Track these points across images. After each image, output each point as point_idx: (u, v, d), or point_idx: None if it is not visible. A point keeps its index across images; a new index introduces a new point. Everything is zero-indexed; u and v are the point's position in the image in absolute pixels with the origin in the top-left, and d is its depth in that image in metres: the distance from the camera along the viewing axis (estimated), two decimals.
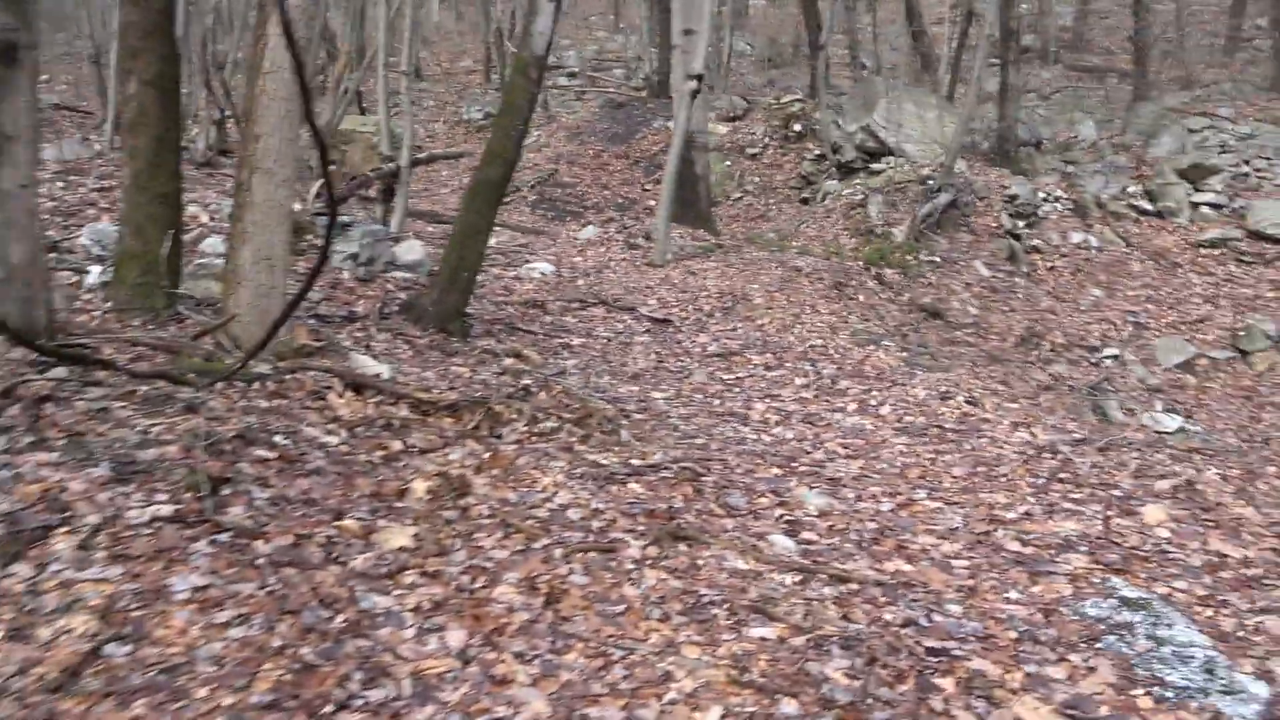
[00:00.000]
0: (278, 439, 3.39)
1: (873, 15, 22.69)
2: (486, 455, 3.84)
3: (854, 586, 3.18)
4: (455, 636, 2.51)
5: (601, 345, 7.05)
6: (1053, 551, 3.52)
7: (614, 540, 3.20)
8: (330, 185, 2.84)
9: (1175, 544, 3.61)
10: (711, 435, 5.01)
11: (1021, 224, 12.12)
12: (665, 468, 4.08)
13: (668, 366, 6.56)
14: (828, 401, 5.59)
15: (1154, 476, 4.19)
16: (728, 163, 17.07)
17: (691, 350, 6.93)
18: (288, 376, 4.16)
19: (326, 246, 2.90)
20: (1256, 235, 12.38)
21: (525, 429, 4.19)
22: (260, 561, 2.56)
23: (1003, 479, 4.28)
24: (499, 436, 4.13)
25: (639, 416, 5.10)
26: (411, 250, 7.75)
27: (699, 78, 9.52)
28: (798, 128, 16.51)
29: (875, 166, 13.77)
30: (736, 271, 9.09)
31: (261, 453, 3.22)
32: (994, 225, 11.92)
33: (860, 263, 10.32)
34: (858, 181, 13.62)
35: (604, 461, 4.01)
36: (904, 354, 6.38)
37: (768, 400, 5.71)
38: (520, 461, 3.85)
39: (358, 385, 4.30)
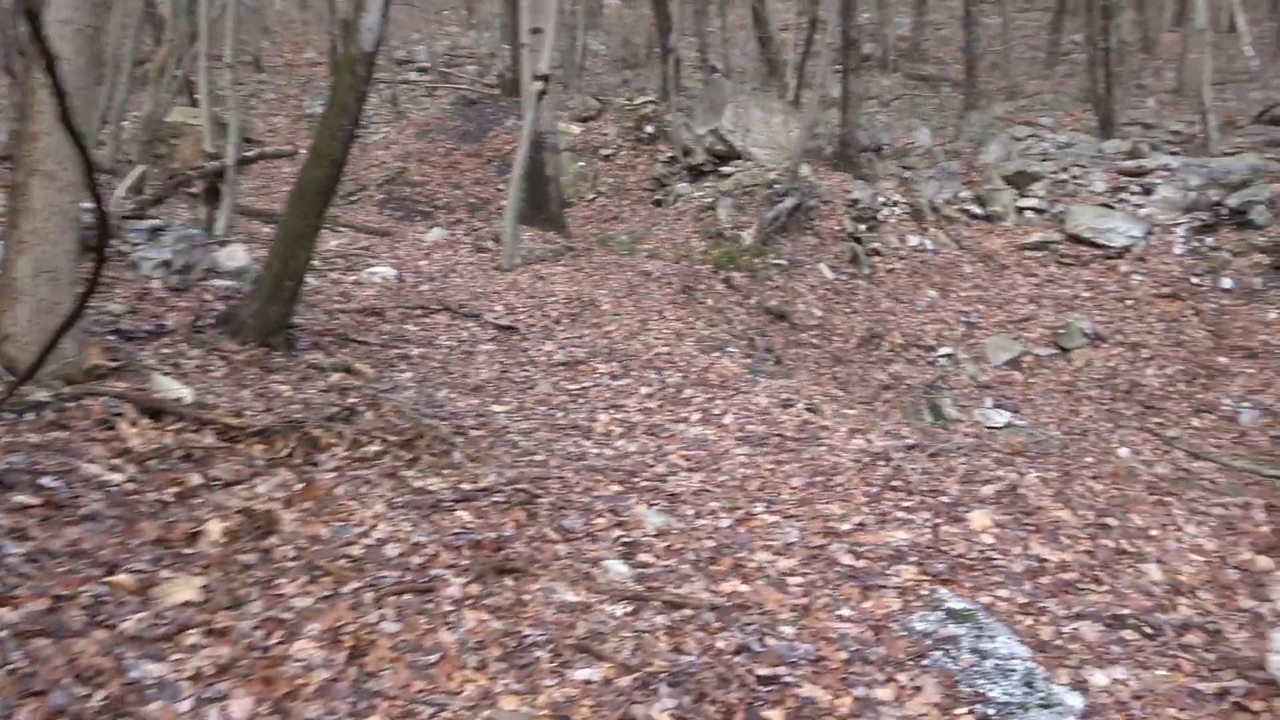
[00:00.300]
0: (46, 481, 2.99)
1: (723, 19, 23.07)
2: (299, 486, 3.53)
3: (688, 613, 3.08)
4: (240, 706, 2.24)
5: (443, 355, 6.76)
6: (884, 563, 3.53)
7: (433, 578, 2.98)
8: (96, 193, 2.48)
9: (999, 549, 3.69)
10: (552, 450, 4.84)
11: (863, 227, 12.52)
12: (498, 491, 3.88)
13: (511, 377, 6.34)
14: (672, 411, 5.52)
15: (980, 481, 4.30)
16: (581, 163, 16.93)
17: (537, 359, 6.74)
18: (71, 404, 3.72)
19: (101, 250, 2.54)
20: (1074, 239, 13.23)
21: (346, 454, 3.90)
22: (2, 635, 2.21)
23: (839, 488, 4.30)
24: (315, 464, 3.82)
25: (476, 433, 4.87)
26: (235, 256, 7.22)
27: (545, 78, 9.32)
28: (650, 129, 16.54)
29: (725, 169, 13.94)
30: (586, 276, 8.95)
31: (22, 499, 2.83)
32: (837, 229, 12.27)
33: (709, 266, 10.38)
34: (708, 184, 13.76)
35: (431, 487, 3.78)
36: (748, 360, 6.39)
37: (612, 411, 5.59)
38: (338, 491, 3.57)
39: (156, 410, 3.90)
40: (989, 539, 3.77)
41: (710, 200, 12.84)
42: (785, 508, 4.09)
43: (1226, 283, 12.19)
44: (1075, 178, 14.23)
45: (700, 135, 14.62)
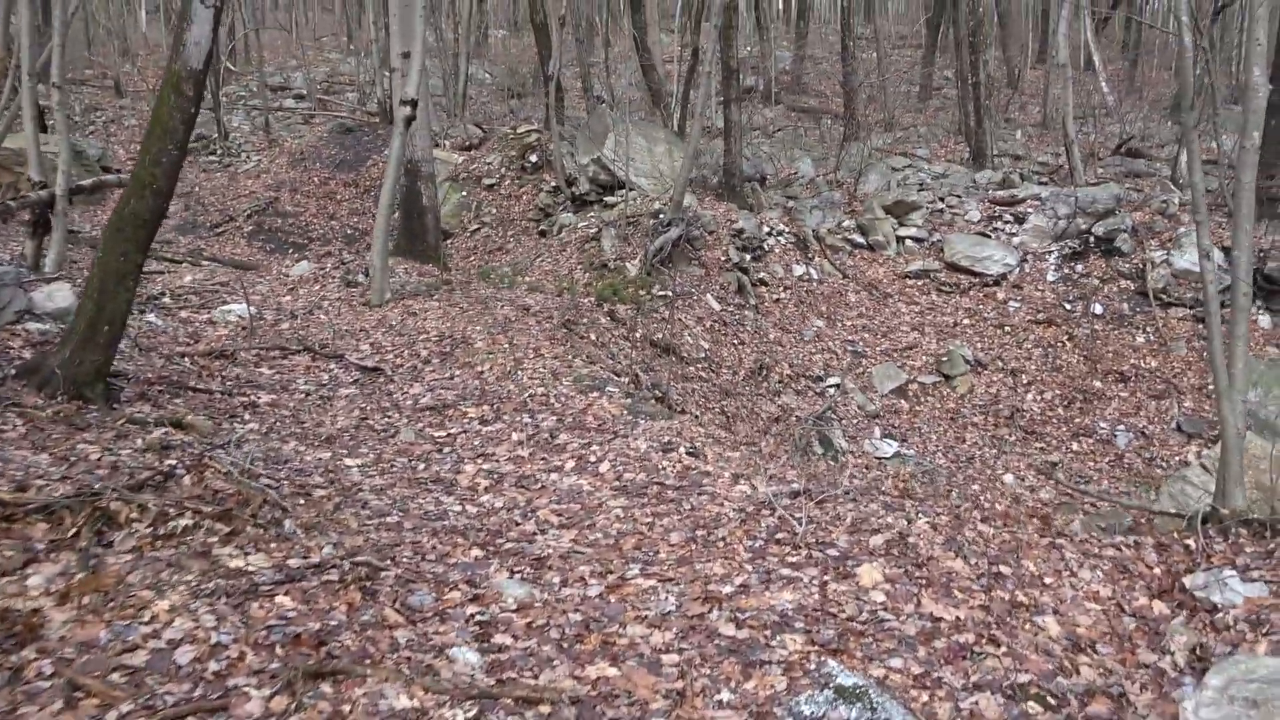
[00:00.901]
0: None
1: (606, 51, 23.00)
2: (81, 575, 2.96)
3: (544, 710, 2.64)
4: None
5: (296, 402, 6.16)
6: (769, 632, 3.18)
7: (229, 692, 2.47)
8: None
9: (891, 608, 3.39)
10: (408, 510, 4.34)
11: (749, 257, 12.41)
12: (333, 566, 3.37)
13: (372, 424, 5.80)
14: (545, 460, 5.09)
15: (869, 530, 4.02)
16: (463, 193, 16.42)
17: (402, 404, 6.21)
18: None
19: None
20: (953, 267, 13.47)
21: (149, 531, 3.32)
22: None
23: (721, 544, 3.95)
24: (110, 544, 3.24)
25: (321, 493, 4.34)
26: (56, 296, 6.46)
27: (413, 103, 8.84)
28: (534, 158, 16.18)
29: (609, 199, 13.68)
30: (461, 311, 8.45)
31: None
32: (723, 259, 12.12)
33: (593, 299, 10.03)
34: (592, 214, 13.47)
35: (250, 567, 3.24)
36: (628, 400, 6.02)
37: (480, 461, 5.13)
38: (131, 579, 3.00)
39: None
40: (880, 596, 3.48)
41: (594, 231, 12.53)
42: (663, 569, 3.71)
43: (1097, 309, 12.58)
44: (951, 207, 14.53)
45: (584, 164, 14.33)
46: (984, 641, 3.19)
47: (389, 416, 5.98)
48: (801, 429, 9.88)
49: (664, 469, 4.92)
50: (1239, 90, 18.70)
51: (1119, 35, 30.75)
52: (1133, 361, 11.83)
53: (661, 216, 11.92)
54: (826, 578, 3.62)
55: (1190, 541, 4.01)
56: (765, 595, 3.46)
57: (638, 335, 9.55)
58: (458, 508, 4.43)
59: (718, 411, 9.36)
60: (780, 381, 10.66)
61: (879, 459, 10.11)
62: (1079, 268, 13.24)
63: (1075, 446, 11.01)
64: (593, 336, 8.72)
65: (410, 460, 5.13)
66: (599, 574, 3.64)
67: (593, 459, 5.05)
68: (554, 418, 5.67)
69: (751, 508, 4.34)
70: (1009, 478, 10.46)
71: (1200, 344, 11.92)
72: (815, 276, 12.81)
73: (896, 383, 11.54)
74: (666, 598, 3.44)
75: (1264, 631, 3.27)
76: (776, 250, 12.90)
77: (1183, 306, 12.36)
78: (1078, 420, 11.30)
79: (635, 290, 10.59)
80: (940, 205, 14.47)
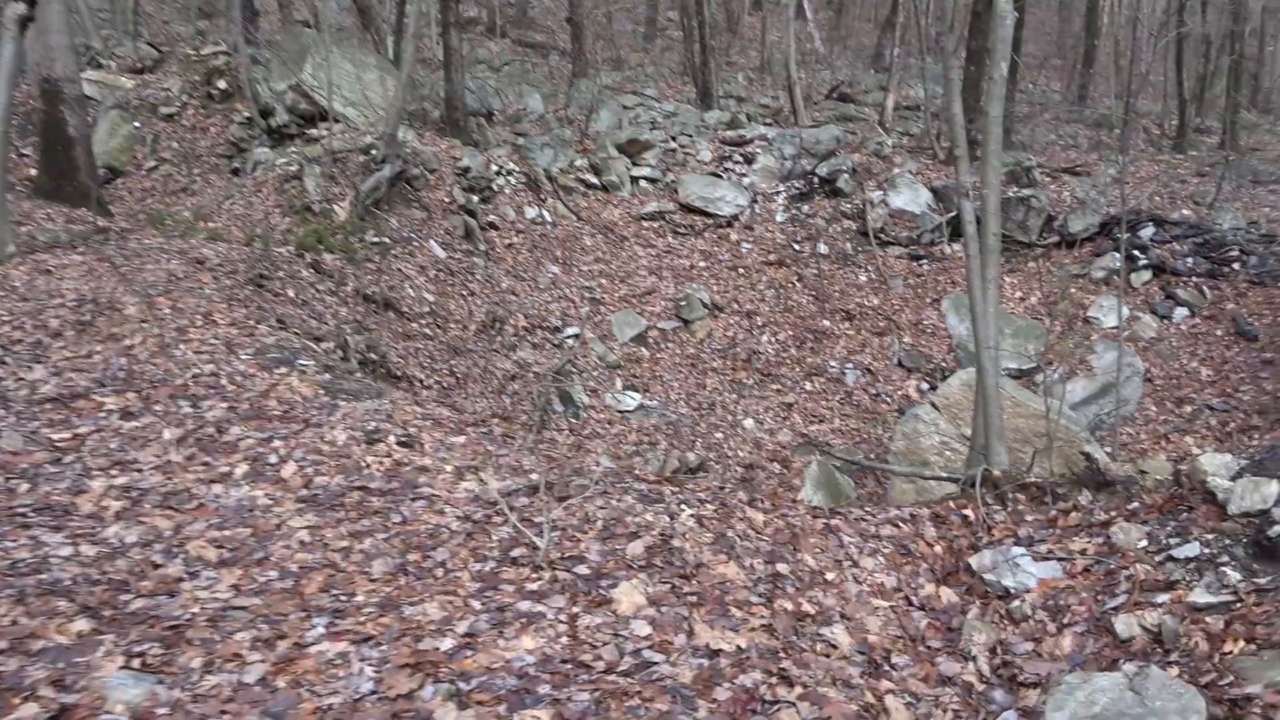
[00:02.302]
0: None
1: None
2: None
3: None
4: None
5: None
6: (504, 709, 2.34)
7: None
8: None
9: (659, 645, 2.66)
10: None
11: (476, 199, 11.33)
12: None
13: None
14: (206, 465, 3.89)
15: (625, 534, 3.27)
16: (136, 124, 13.83)
17: (11, 395, 4.66)
18: None
19: None
20: (687, 208, 13.16)
21: None
22: None
23: (440, 572, 3.04)
24: None
25: None
26: None
27: (31, 2, 6.87)
28: (223, 84, 13.90)
29: (312, 133, 11.96)
30: (112, 269, 6.76)
31: None
32: (447, 201, 10.95)
33: (292, 248, 8.56)
34: (293, 150, 11.72)
35: None
36: (324, 376, 4.88)
37: (114, 473, 3.82)
38: None
39: None
40: (644, 628, 2.74)
41: (296, 168, 10.85)
42: (359, 620, 2.75)
43: (823, 249, 12.79)
44: (684, 147, 14.22)
45: (280, 91, 12.45)
46: (774, 681, 2.54)
47: None
48: (540, 386, 9.10)
49: (368, 467, 3.90)
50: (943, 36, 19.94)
51: None
52: (857, 300, 12.14)
53: (374, 152, 10.51)
54: (576, 608, 2.83)
55: (968, 511, 3.64)
56: (498, 647, 2.61)
57: (349, 289, 8.26)
58: (67, 550, 3.17)
59: (446, 373, 8.34)
60: (515, 334, 9.79)
61: (622, 413, 9.58)
62: (805, 208, 13.40)
63: (809, 386, 11.12)
64: (291, 293, 7.35)
65: (7, 479, 3.73)
66: (265, 642, 2.61)
67: (273, 459, 3.92)
68: (224, 405, 4.42)
69: (480, 514, 3.45)
70: (749, 422, 10.36)
71: (915, 280, 12.47)
72: (549, 219, 11.98)
73: (636, 330, 11.05)
74: (361, 670, 2.49)
75: (1064, 622, 2.89)
76: (507, 191, 11.91)
77: (899, 245, 12.84)
78: (810, 360, 11.42)
79: (345, 237, 9.22)
80: (673, 145, 14.11)
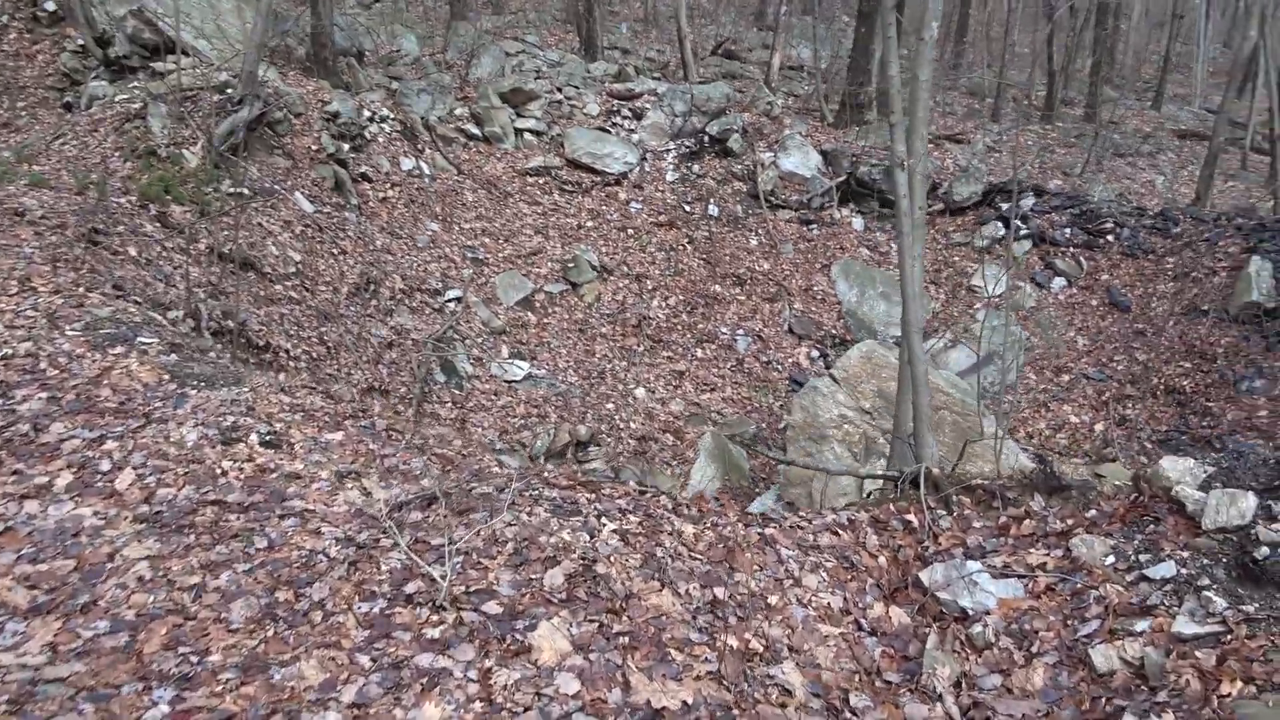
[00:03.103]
0: None
1: None
2: None
3: None
4: None
5: None
6: None
7: None
8: None
9: (590, 706, 2.24)
10: None
11: (347, 147, 10.41)
12: None
13: None
14: (18, 475, 3.17)
15: (541, 559, 2.81)
16: None
17: None
18: None
19: None
20: (574, 164, 12.57)
21: None
22: None
23: (317, 617, 2.51)
24: None
25: None
26: None
27: None
28: (51, 5, 12.33)
29: (158, 66, 10.70)
30: None
31: None
32: (315, 148, 10.00)
33: (134, 198, 7.55)
34: (136, 85, 10.44)
35: None
36: (171, 357, 4.15)
37: None
38: None
39: None
40: (571, 683, 2.31)
41: (139, 106, 9.65)
42: (215, 693, 2.19)
43: (714, 210, 12.46)
44: (570, 99, 13.55)
45: (119, 17, 11.08)
46: None
47: None
48: (420, 355, 8.44)
49: (225, 474, 3.27)
50: None
51: None
52: (748, 264, 11.90)
53: (230, 92, 9.44)
54: (489, 660, 2.36)
55: (911, 516, 3.34)
56: (392, 717, 2.12)
57: (201, 247, 7.36)
58: None
59: (315, 341, 7.58)
60: (392, 298, 9.05)
61: (509, 383, 9.03)
62: (696, 168, 13.02)
63: (700, 353, 10.84)
64: (132, 252, 6.45)
65: None
66: None
67: (105, 466, 3.24)
68: (43, 395, 3.67)
69: (365, 534, 2.92)
70: (641, 391, 10.00)
71: (805, 245, 12.32)
72: (427, 171, 11.16)
73: (522, 293, 10.47)
74: None
75: (1033, 651, 2.62)
76: (381, 140, 11.01)
77: (789, 209, 12.65)
78: (701, 326, 11.12)
79: (197, 186, 8.22)
80: (558, 96, 13.42)
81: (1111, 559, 2.81)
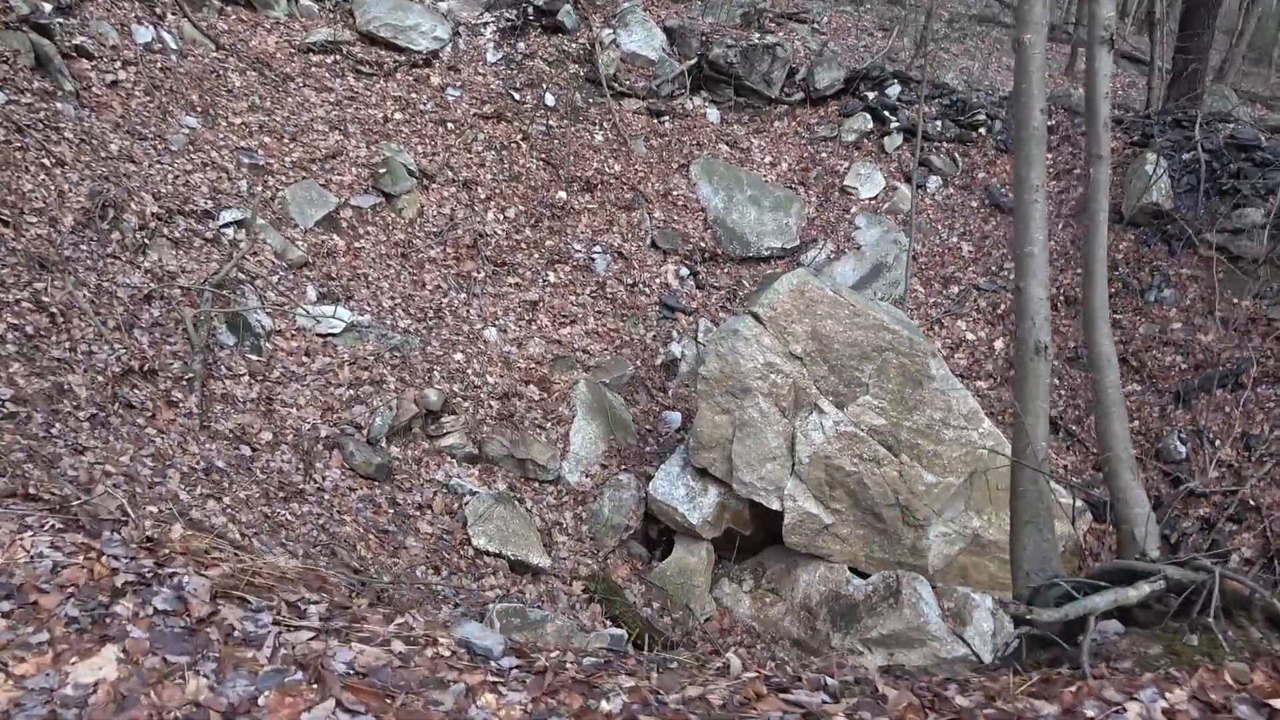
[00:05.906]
0: None
1: None
2: None
3: None
4: None
5: None
6: None
7: None
8: None
9: None
10: None
11: (49, 7, 7.37)
12: None
13: None
14: None
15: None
16: None
17: None
18: None
19: None
20: (370, 39, 9.97)
21: None
22: None
23: None
24: None
25: None
26: None
27: None
28: None
29: None
30: None
31: None
32: (4, 13, 6.94)
33: None
34: None
35: None
36: None
37: None
38: None
39: None
40: None
41: None
42: None
43: (550, 100, 10.35)
44: None
45: None
46: None
47: None
48: (196, 311, 6.04)
49: None
50: None
51: None
52: (595, 166, 10.01)
53: None
54: None
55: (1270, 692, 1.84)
56: None
57: None
58: None
59: (28, 306, 5.07)
60: (144, 227, 6.46)
61: (324, 337, 6.81)
62: (521, 46, 10.79)
63: (552, 277, 8.98)
64: None
65: None
66: None
67: None
68: None
69: None
70: (491, 332, 8.05)
71: (658, 141, 10.56)
72: (173, 45, 8.28)
73: (324, 210, 8.07)
74: None
75: None
76: (102, 1, 7.98)
77: (636, 97, 10.79)
78: (550, 243, 9.23)
79: None
80: None
81: None
